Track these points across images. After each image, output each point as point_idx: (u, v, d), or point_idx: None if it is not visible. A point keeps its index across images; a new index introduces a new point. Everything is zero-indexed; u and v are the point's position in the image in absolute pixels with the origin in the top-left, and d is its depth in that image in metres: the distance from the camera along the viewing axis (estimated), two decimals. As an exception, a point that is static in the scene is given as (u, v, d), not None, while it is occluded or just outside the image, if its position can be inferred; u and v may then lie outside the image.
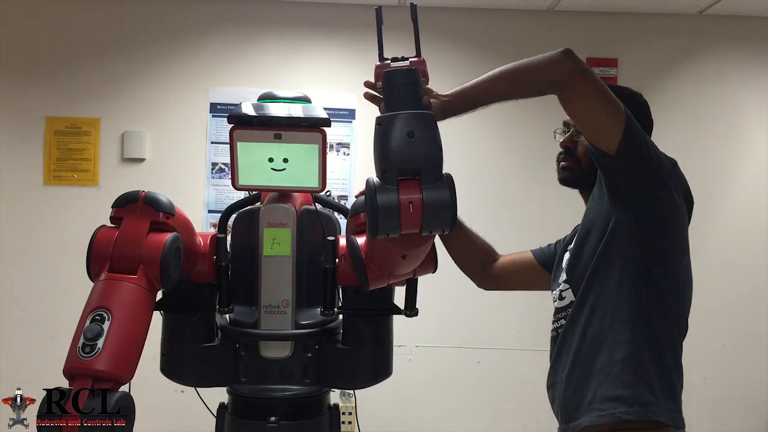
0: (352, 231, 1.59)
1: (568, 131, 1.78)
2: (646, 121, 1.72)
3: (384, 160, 1.26)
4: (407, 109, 1.27)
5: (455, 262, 2.03)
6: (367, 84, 1.49)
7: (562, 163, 1.79)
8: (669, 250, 1.63)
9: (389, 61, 1.35)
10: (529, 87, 1.62)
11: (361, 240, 1.52)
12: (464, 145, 3.51)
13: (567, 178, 1.78)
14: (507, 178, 3.56)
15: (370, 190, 1.26)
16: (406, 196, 1.24)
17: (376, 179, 1.27)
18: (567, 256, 1.78)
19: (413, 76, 1.31)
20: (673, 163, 1.64)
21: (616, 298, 1.60)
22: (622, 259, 1.60)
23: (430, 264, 1.60)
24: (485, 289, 2.09)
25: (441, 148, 1.28)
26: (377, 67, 1.34)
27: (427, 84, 1.37)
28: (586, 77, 1.52)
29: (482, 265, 2.03)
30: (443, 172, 1.29)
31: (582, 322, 1.64)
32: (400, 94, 1.30)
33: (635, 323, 1.58)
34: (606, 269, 1.61)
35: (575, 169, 1.75)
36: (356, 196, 1.68)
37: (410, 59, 1.34)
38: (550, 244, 2.00)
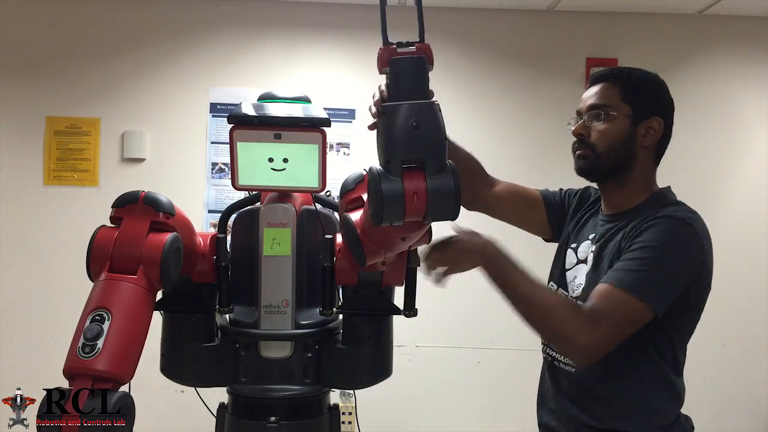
0: (345, 209, 1.56)
1: (581, 119, 1.73)
2: (666, 103, 1.73)
3: (388, 150, 1.24)
4: (414, 98, 1.24)
5: None
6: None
7: (577, 152, 1.72)
8: (688, 323, 1.74)
9: (395, 46, 1.28)
10: (548, 337, 1.68)
11: (355, 216, 1.50)
12: (464, 145, 3.50)
13: (583, 167, 1.71)
14: (507, 178, 3.54)
15: (374, 178, 1.25)
16: (410, 186, 1.24)
17: (378, 167, 1.26)
18: (578, 276, 1.76)
19: (421, 64, 1.27)
20: (700, 251, 1.66)
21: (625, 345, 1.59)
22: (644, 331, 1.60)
23: (426, 236, 1.57)
24: (470, 210, 1.94)
25: (446, 138, 1.27)
26: (382, 52, 1.27)
27: (432, 70, 1.33)
28: (605, 347, 1.53)
29: (471, 185, 1.92)
30: (447, 161, 1.28)
31: None
32: (408, 83, 1.26)
33: (643, 359, 1.63)
34: None
35: (590, 156, 1.69)
36: (369, 128, 1.65)
37: (416, 44, 1.29)
38: (559, 191, 1.95)
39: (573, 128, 1.73)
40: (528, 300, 1.57)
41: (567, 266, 1.81)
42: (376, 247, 1.47)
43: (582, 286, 1.72)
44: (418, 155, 1.24)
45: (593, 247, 1.73)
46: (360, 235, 1.46)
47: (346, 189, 1.58)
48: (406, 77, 1.26)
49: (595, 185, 1.83)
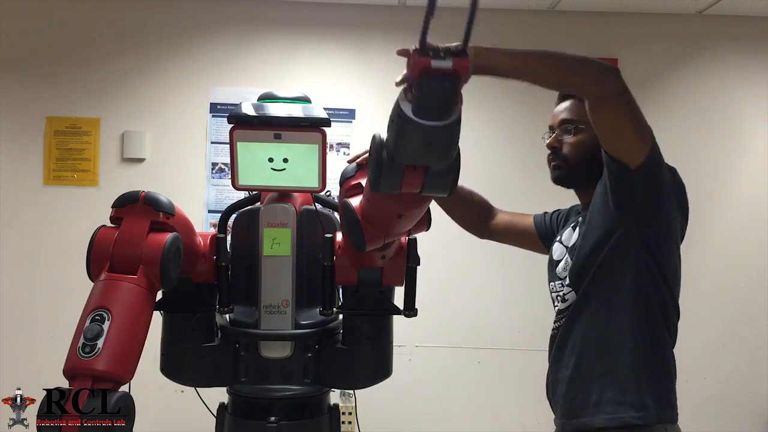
0: (344, 195, 1.56)
1: (553, 133, 1.86)
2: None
3: (395, 154, 1.19)
4: (437, 118, 1.12)
5: (451, 218, 2.15)
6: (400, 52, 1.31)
7: (552, 163, 1.86)
8: (673, 260, 1.72)
9: (430, 57, 1.13)
10: (571, 85, 1.69)
11: (355, 202, 1.49)
12: (464, 145, 3.49)
13: (559, 177, 1.85)
14: (507, 178, 3.56)
15: (376, 145, 1.22)
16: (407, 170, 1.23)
17: (383, 135, 1.23)
18: (566, 257, 1.82)
19: (454, 84, 1.13)
20: (672, 172, 1.73)
21: (620, 305, 1.68)
22: (631, 267, 1.67)
23: (424, 223, 1.57)
24: (482, 238, 2.21)
25: (457, 146, 1.21)
26: (415, 61, 1.12)
27: (467, 83, 1.21)
28: (629, 99, 1.59)
29: (478, 221, 2.16)
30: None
31: (583, 324, 1.72)
32: (433, 104, 1.12)
33: (640, 331, 1.68)
34: (612, 276, 1.69)
35: (564, 166, 1.82)
36: (348, 162, 1.66)
37: (453, 58, 1.13)
38: (547, 213, 2.11)
39: (547, 141, 1.86)
40: (544, 59, 1.60)
41: (557, 258, 1.89)
42: (375, 230, 1.47)
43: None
44: (425, 165, 1.22)
45: (578, 229, 1.83)
46: (360, 219, 1.46)
47: (346, 176, 1.59)
48: (433, 98, 1.12)
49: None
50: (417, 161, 1.21)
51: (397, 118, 1.15)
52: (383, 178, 1.23)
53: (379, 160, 1.21)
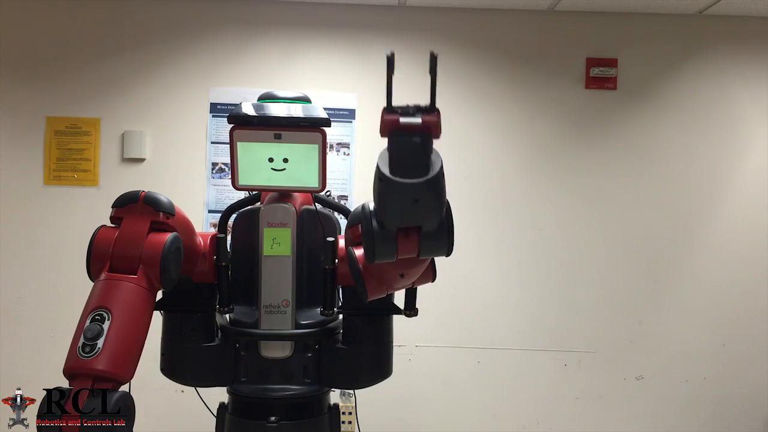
0: (350, 242, 1.56)
1: None
2: None
3: (384, 217, 1.18)
4: (415, 175, 1.12)
5: None
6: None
7: None
8: None
9: (398, 115, 1.13)
10: None
11: (359, 252, 1.50)
12: (464, 145, 3.51)
13: None
14: (507, 178, 3.56)
15: (365, 215, 1.23)
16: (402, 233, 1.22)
17: (371, 205, 1.24)
18: None
19: (425, 140, 1.13)
20: None
21: None
22: None
23: (429, 274, 1.58)
24: None
25: (444, 201, 1.18)
26: (384, 119, 1.13)
27: (438, 137, 1.18)
28: None
29: None
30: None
31: None
32: (407, 160, 1.12)
33: None
34: None
35: None
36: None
37: (423, 116, 1.13)
38: None
39: None
40: None
41: None
42: (377, 283, 1.48)
43: None
44: (415, 225, 1.21)
45: None
46: (362, 271, 1.46)
47: (353, 222, 1.58)
48: (406, 154, 1.12)
49: None
50: (406, 222, 1.20)
51: (378, 182, 1.15)
52: (378, 248, 1.23)
53: (370, 230, 1.21)
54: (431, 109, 1.14)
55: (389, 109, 1.14)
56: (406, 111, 1.13)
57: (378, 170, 1.13)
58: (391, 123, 1.12)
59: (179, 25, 3.58)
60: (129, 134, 3.54)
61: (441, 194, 1.16)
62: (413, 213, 1.16)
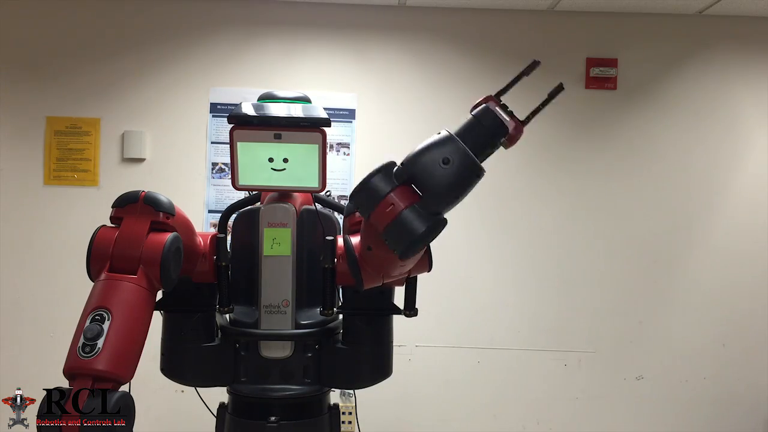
0: (348, 231, 1.58)
1: None
2: None
3: (410, 158, 1.27)
4: (469, 147, 1.28)
5: None
6: None
7: None
8: None
9: (501, 102, 1.36)
10: None
11: (355, 240, 1.51)
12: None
13: None
14: (507, 177, 3.56)
15: (373, 169, 1.29)
16: (394, 196, 1.25)
17: (389, 167, 1.29)
18: None
19: (501, 132, 1.32)
20: None
21: None
22: None
23: (425, 263, 1.59)
24: None
25: (459, 197, 1.28)
26: (486, 98, 1.37)
27: (508, 147, 1.37)
28: None
29: None
30: (443, 216, 1.29)
31: None
32: (476, 133, 1.31)
33: None
34: None
35: None
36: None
37: (515, 121, 1.34)
38: None
39: None
40: None
41: None
42: (373, 270, 1.48)
43: None
44: (424, 183, 1.25)
45: None
46: (358, 259, 1.46)
47: (351, 211, 1.58)
48: (480, 129, 1.32)
49: None
50: (423, 175, 1.26)
51: (439, 133, 1.30)
52: (361, 196, 1.29)
53: (368, 177, 1.27)
54: (524, 122, 1.34)
55: (497, 95, 1.37)
56: (506, 106, 1.34)
57: (443, 130, 1.28)
58: (490, 102, 1.35)
59: (179, 25, 3.58)
60: (129, 134, 3.54)
61: (469, 179, 1.28)
62: (435, 169, 1.26)
